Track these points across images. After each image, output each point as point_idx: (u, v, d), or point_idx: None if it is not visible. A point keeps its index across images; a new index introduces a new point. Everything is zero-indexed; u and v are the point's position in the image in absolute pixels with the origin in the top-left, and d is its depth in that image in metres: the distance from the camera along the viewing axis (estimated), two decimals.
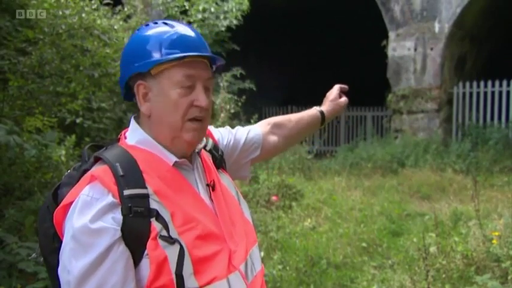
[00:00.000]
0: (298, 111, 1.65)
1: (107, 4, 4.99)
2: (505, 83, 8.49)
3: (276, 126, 1.42)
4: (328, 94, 1.58)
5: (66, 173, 1.03)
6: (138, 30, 1.07)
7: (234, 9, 7.43)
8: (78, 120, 4.70)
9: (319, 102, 1.60)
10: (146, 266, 0.89)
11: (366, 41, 11.06)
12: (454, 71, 9.14)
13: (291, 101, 11.08)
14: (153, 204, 0.92)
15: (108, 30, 4.25)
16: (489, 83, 8.64)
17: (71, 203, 0.91)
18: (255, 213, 5.05)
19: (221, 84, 7.20)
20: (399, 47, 8.81)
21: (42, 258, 1.02)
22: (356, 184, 7.02)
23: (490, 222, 4.26)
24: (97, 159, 0.99)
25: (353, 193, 6.49)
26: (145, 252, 0.89)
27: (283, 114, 1.60)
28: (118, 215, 0.88)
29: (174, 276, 0.89)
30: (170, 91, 1.00)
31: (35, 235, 2.84)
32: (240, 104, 7.17)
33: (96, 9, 4.52)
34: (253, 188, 5.74)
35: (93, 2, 4.50)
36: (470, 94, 8.81)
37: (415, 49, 8.67)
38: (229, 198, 1.12)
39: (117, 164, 0.93)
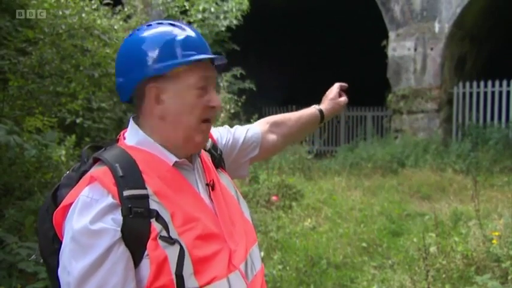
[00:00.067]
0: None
1: (107, 4, 4.99)
2: (505, 83, 8.49)
3: (274, 125, 1.42)
4: (328, 92, 1.58)
5: (65, 174, 1.03)
6: (138, 31, 1.03)
7: (234, 9, 7.43)
8: (78, 120, 4.71)
9: (319, 102, 1.59)
10: (146, 267, 0.89)
11: (366, 41, 11.07)
12: (454, 71, 9.15)
13: (291, 101, 11.08)
14: (153, 205, 0.91)
15: (108, 30, 4.25)
16: (489, 83, 8.64)
17: (71, 204, 0.91)
18: (255, 213, 5.05)
19: (221, 84, 7.20)
20: (399, 47, 8.81)
21: (41, 260, 1.01)
22: (356, 184, 7.02)
23: (490, 222, 4.26)
24: (96, 160, 0.98)
25: (353, 193, 6.49)
26: (146, 252, 0.89)
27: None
28: (118, 216, 0.88)
29: (174, 276, 0.89)
30: (187, 93, 1.01)
31: (35, 235, 2.84)
32: (240, 104, 7.17)
33: (96, 9, 4.52)
34: (253, 188, 5.74)
35: (93, 2, 4.50)
36: (470, 94, 8.81)
37: (415, 49, 8.67)
38: (229, 198, 1.12)
39: (117, 165, 0.92)
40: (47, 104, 3.97)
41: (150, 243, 0.88)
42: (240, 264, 1.02)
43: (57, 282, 0.92)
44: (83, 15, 3.88)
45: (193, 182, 1.04)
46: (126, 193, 0.89)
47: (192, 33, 1.04)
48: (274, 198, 5.61)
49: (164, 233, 0.90)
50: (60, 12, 3.71)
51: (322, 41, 13.76)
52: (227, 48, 7.97)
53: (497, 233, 3.78)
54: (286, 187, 5.89)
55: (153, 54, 0.99)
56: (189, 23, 6.70)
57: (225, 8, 7.49)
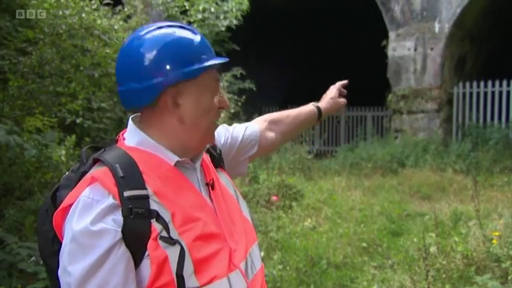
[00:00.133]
0: None
1: (107, 4, 4.99)
2: (505, 83, 8.49)
3: (273, 123, 1.43)
4: (328, 92, 1.58)
5: (65, 175, 1.03)
6: (148, 34, 1.00)
7: (234, 9, 7.43)
8: (78, 120, 4.71)
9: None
10: (147, 267, 0.89)
11: (366, 41, 11.07)
12: (454, 71, 9.15)
13: (291, 101, 11.04)
14: (153, 205, 0.91)
15: (108, 30, 4.25)
16: (489, 83, 8.64)
17: (71, 205, 0.91)
18: (255, 213, 5.05)
19: (221, 84, 7.19)
20: (399, 47, 8.82)
21: (41, 261, 1.01)
22: (356, 184, 7.02)
23: (490, 222, 4.26)
24: (96, 161, 0.98)
25: (353, 193, 6.49)
26: (146, 253, 0.89)
27: None
28: (119, 217, 0.88)
29: (174, 276, 0.89)
30: (205, 95, 1.02)
31: (35, 235, 2.84)
32: (240, 104, 7.17)
33: (96, 9, 4.52)
34: (253, 188, 5.75)
35: (93, 2, 4.50)
36: (470, 94, 8.81)
37: (415, 49, 8.67)
38: (228, 198, 1.13)
39: (117, 166, 0.92)
40: (47, 104, 3.97)
41: (150, 244, 0.88)
42: (240, 263, 1.02)
43: (57, 283, 0.92)
44: (83, 15, 3.88)
45: (195, 181, 1.05)
46: (126, 194, 0.89)
47: (201, 36, 1.05)
48: (274, 198, 5.61)
49: (164, 234, 0.90)
50: (60, 12, 3.71)
51: (322, 41, 13.76)
52: (227, 48, 7.97)
53: (497, 233, 3.78)
54: (286, 187, 5.90)
55: (178, 58, 0.98)
56: (189, 23, 6.72)
57: (225, 8, 7.49)
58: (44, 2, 3.65)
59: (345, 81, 1.61)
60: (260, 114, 1.56)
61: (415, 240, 4.44)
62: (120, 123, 5.14)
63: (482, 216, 4.07)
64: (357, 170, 7.95)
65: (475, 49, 9.90)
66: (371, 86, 11.06)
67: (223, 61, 1.05)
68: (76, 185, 0.95)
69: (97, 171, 0.94)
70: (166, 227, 0.91)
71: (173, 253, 0.89)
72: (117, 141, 1.07)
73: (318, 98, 1.59)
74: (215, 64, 1.02)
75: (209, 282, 0.93)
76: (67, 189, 0.97)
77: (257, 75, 9.09)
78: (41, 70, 3.72)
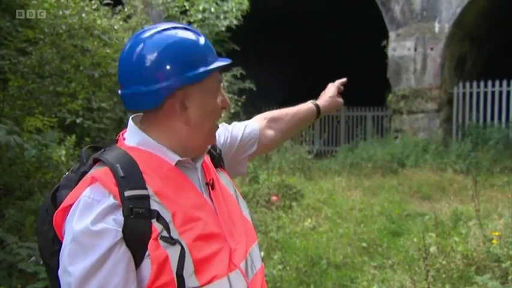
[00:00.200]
0: None
1: (107, 4, 4.99)
2: (505, 83, 8.49)
3: (272, 121, 1.43)
4: (327, 90, 1.59)
5: (65, 176, 1.03)
6: (155, 36, 0.99)
7: (234, 9, 7.43)
8: (78, 120, 4.71)
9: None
10: (147, 267, 0.89)
11: (366, 41, 11.07)
12: (454, 71, 9.15)
13: (291, 101, 10.99)
14: (154, 205, 0.91)
15: (108, 30, 4.25)
16: (489, 83, 8.64)
17: (71, 205, 0.91)
18: (255, 213, 5.05)
19: (221, 84, 7.19)
20: (399, 47, 8.81)
21: (41, 261, 1.01)
22: (356, 184, 7.02)
23: (490, 222, 4.27)
24: (96, 161, 0.98)
25: (353, 193, 6.49)
26: (147, 253, 0.89)
27: None
28: (119, 217, 0.88)
29: (174, 275, 0.89)
30: (210, 97, 1.04)
31: (35, 235, 2.84)
32: (240, 104, 7.17)
33: (96, 10, 4.53)
34: (253, 188, 5.75)
35: (93, 2, 4.50)
36: (471, 94, 8.81)
37: (415, 49, 8.67)
38: (228, 197, 1.13)
39: (118, 165, 0.92)
40: (47, 104, 3.97)
41: (151, 243, 0.88)
42: (240, 263, 1.02)
43: (57, 283, 0.92)
44: (83, 15, 3.88)
45: (195, 181, 1.05)
46: (127, 193, 0.89)
47: (204, 38, 1.05)
48: (274, 198, 5.61)
49: (165, 233, 0.90)
50: (60, 12, 3.71)
51: (322, 41, 13.76)
52: (227, 48, 7.97)
53: (497, 233, 3.78)
54: (286, 187, 5.89)
55: (185, 62, 0.98)
56: (189, 23, 6.72)
57: (225, 8, 7.49)
58: (44, 2, 3.65)
59: (343, 79, 1.61)
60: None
61: (415, 240, 4.44)
62: (120, 123, 5.14)
63: (482, 216, 4.07)
64: (357, 170, 7.95)
65: (475, 49, 9.90)
66: (371, 86, 11.06)
67: (228, 63, 1.05)
68: (76, 185, 0.95)
69: (97, 171, 0.93)
70: (166, 227, 0.90)
71: (174, 253, 0.89)
72: (117, 141, 1.07)
73: (317, 98, 1.60)
74: (220, 67, 1.03)
75: (209, 282, 0.93)
76: (67, 189, 0.97)
77: (257, 75, 9.09)
78: (41, 70, 3.72)
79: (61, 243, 0.92)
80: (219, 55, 1.09)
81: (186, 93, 0.99)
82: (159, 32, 1.00)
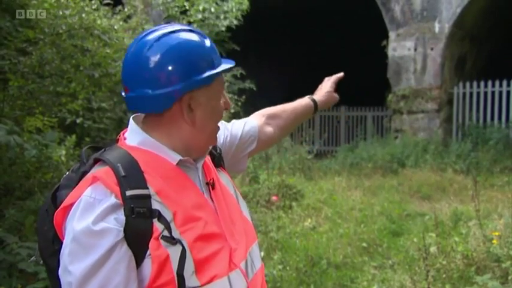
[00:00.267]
0: None
1: (107, 4, 4.99)
2: (505, 83, 8.49)
3: (270, 117, 1.43)
4: (323, 84, 1.59)
5: (65, 175, 1.03)
6: (162, 39, 0.98)
7: (234, 9, 7.43)
8: (78, 120, 4.71)
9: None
10: (148, 266, 0.89)
11: (366, 41, 11.07)
12: (454, 71, 9.15)
13: (291, 101, 11.05)
14: (155, 205, 0.91)
15: (108, 30, 4.25)
16: (489, 83, 8.64)
17: (72, 204, 0.91)
18: (255, 213, 5.05)
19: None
20: (399, 47, 8.81)
21: (41, 261, 1.01)
22: (356, 184, 7.02)
23: (490, 222, 4.27)
24: (97, 161, 0.98)
25: (353, 193, 6.49)
26: (148, 252, 0.89)
27: None
28: (121, 216, 0.88)
29: (175, 275, 0.89)
30: (215, 99, 1.04)
31: (35, 235, 2.84)
32: (240, 104, 7.17)
33: (97, 10, 4.53)
34: (253, 188, 5.75)
35: (93, 2, 4.50)
36: (471, 94, 8.81)
37: (415, 49, 8.67)
38: (229, 197, 1.13)
39: (119, 165, 0.92)
40: (47, 104, 3.97)
41: (152, 243, 0.88)
42: (241, 262, 1.02)
43: (57, 283, 0.92)
44: (83, 15, 3.88)
45: (196, 180, 1.05)
46: (128, 193, 0.89)
47: (210, 40, 1.05)
48: (274, 198, 5.61)
49: (166, 233, 0.90)
50: (61, 12, 3.71)
51: (322, 41, 13.76)
52: (227, 48, 7.97)
53: (497, 233, 3.78)
54: (287, 187, 5.89)
55: (193, 66, 0.98)
56: (189, 23, 6.71)
57: (225, 8, 7.48)
58: (44, 2, 3.65)
59: (340, 74, 1.61)
60: None
61: (415, 240, 4.44)
62: (120, 123, 5.14)
63: (483, 216, 4.07)
64: (357, 170, 7.95)
65: (475, 49, 9.90)
66: (371, 86, 11.06)
67: (233, 66, 1.06)
68: (76, 185, 0.95)
69: (99, 170, 0.93)
70: (168, 227, 0.91)
71: (174, 252, 0.90)
72: (117, 140, 1.07)
73: (314, 93, 1.60)
74: (226, 69, 1.03)
75: (209, 282, 0.93)
76: (67, 189, 0.97)
77: (257, 75, 9.09)
78: (41, 70, 3.72)
79: (61, 243, 0.92)
80: (220, 55, 1.09)
81: (192, 96, 0.99)
82: (166, 34, 0.99)
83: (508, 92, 8.45)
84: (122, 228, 0.87)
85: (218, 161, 1.19)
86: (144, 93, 0.97)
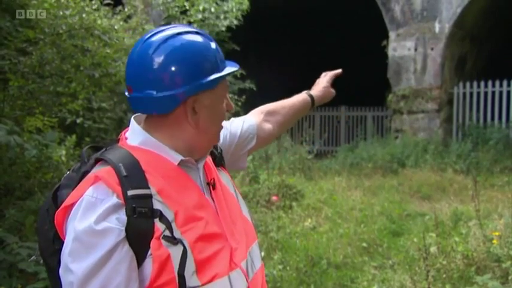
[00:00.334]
0: None
1: (108, 4, 4.99)
2: (505, 83, 8.49)
3: (269, 114, 1.43)
4: (320, 80, 1.60)
5: (65, 175, 1.03)
6: (168, 41, 0.97)
7: (234, 9, 7.42)
8: (78, 120, 4.71)
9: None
10: (149, 266, 0.89)
11: (366, 41, 11.07)
12: (455, 71, 9.15)
13: None
14: (157, 205, 0.92)
15: (108, 30, 4.26)
16: (489, 83, 8.64)
17: (73, 204, 0.91)
18: (255, 213, 5.05)
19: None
20: (399, 47, 8.81)
21: (41, 260, 1.01)
22: (356, 184, 7.02)
23: (490, 222, 4.26)
24: (98, 161, 0.98)
25: (353, 193, 6.49)
26: (149, 252, 0.89)
27: None
28: (122, 216, 0.88)
29: (176, 274, 0.89)
30: (219, 102, 1.05)
31: (35, 235, 2.84)
32: (240, 104, 7.17)
33: (97, 10, 4.53)
34: (254, 188, 5.75)
35: (93, 2, 4.51)
36: (471, 94, 8.81)
37: (415, 49, 8.67)
38: (229, 197, 1.13)
39: (120, 165, 0.92)
40: (47, 104, 3.98)
41: (153, 243, 0.89)
42: (241, 262, 1.03)
43: (57, 282, 0.92)
44: (84, 15, 3.88)
45: (197, 180, 1.05)
46: (130, 193, 0.89)
47: (215, 43, 1.05)
48: (274, 198, 5.61)
49: (167, 233, 0.90)
50: (61, 13, 3.72)
51: (322, 41, 13.76)
52: (227, 48, 7.97)
53: (497, 233, 3.78)
54: (287, 187, 5.89)
55: (199, 69, 0.98)
56: (189, 23, 6.72)
57: (225, 8, 7.48)
58: (44, 2, 3.65)
59: (338, 71, 1.62)
60: None
61: (415, 240, 4.44)
62: (120, 123, 5.15)
63: (483, 216, 4.07)
64: (357, 170, 7.95)
65: (476, 49, 9.90)
66: (371, 86, 11.06)
67: (237, 69, 1.06)
68: (77, 184, 0.95)
69: (100, 170, 0.93)
70: (169, 227, 0.91)
71: (176, 252, 0.90)
72: (118, 140, 1.07)
73: (311, 88, 1.61)
74: (231, 72, 1.04)
75: (210, 281, 0.93)
76: (68, 188, 0.97)
77: (257, 75, 9.09)
78: (41, 70, 3.72)
79: (62, 243, 0.92)
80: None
81: (196, 99, 0.99)
82: (172, 36, 0.99)
83: (508, 92, 8.45)
84: (124, 228, 0.88)
85: (219, 160, 1.19)
86: (148, 94, 0.97)
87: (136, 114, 1.07)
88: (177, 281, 0.89)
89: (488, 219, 4.46)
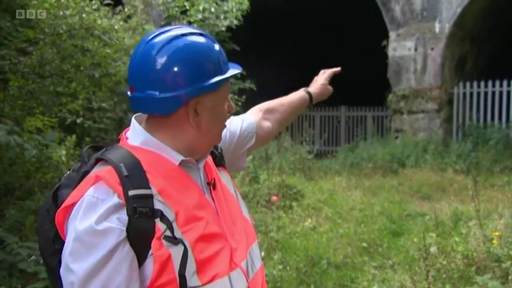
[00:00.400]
0: None
1: (108, 4, 4.99)
2: (505, 83, 8.49)
3: (268, 112, 1.44)
4: (318, 77, 1.60)
5: (65, 175, 1.03)
6: (172, 42, 0.97)
7: (234, 9, 7.42)
8: (78, 120, 4.71)
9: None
10: (150, 266, 0.89)
11: (366, 41, 11.07)
12: (455, 71, 9.15)
13: None
14: (157, 205, 0.92)
15: (108, 30, 4.26)
16: (489, 83, 8.64)
17: (73, 204, 0.91)
18: (256, 213, 5.05)
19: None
20: (399, 47, 8.81)
21: (41, 260, 1.01)
22: (356, 184, 7.02)
23: (490, 222, 4.27)
24: (98, 161, 0.98)
25: (353, 193, 6.49)
26: (150, 252, 0.89)
27: None
28: (123, 216, 0.88)
29: (177, 274, 0.89)
30: (221, 104, 1.05)
31: (35, 235, 2.84)
32: (240, 104, 7.17)
33: (97, 10, 4.53)
34: (254, 188, 5.75)
35: (93, 2, 4.50)
36: (471, 94, 8.81)
37: (415, 49, 8.67)
38: (229, 197, 1.13)
39: (121, 165, 0.92)
40: (47, 104, 3.98)
41: (154, 243, 0.89)
42: (241, 262, 1.03)
43: (58, 282, 0.92)
44: (84, 15, 3.89)
45: (198, 180, 1.05)
46: (131, 193, 0.89)
47: (218, 44, 1.05)
48: (274, 198, 5.61)
49: (168, 233, 0.90)
50: (61, 13, 3.72)
51: (322, 41, 13.76)
52: (227, 48, 7.95)
53: (497, 233, 3.78)
54: (287, 187, 5.89)
55: (202, 71, 0.98)
56: (189, 23, 6.72)
57: (225, 8, 7.48)
58: (44, 2, 3.65)
59: (337, 69, 1.62)
60: None
61: (415, 240, 4.44)
62: (120, 123, 5.15)
63: (483, 216, 4.07)
64: (357, 170, 7.95)
65: (476, 49, 9.90)
66: (371, 86, 11.06)
67: (240, 71, 1.06)
68: (77, 184, 0.95)
69: (101, 170, 0.93)
70: (170, 227, 0.91)
71: (176, 252, 0.90)
72: (119, 140, 1.07)
73: (309, 85, 1.61)
74: (234, 75, 1.04)
75: (210, 281, 0.93)
76: (68, 188, 0.97)
77: (257, 75, 9.09)
78: (42, 70, 3.72)
79: (62, 242, 0.92)
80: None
81: (198, 100, 0.99)
82: (176, 37, 0.99)
83: (508, 92, 8.45)
84: (125, 228, 0.88)
85: (219, 160, 1.19)
86: (150, 95, 0.97)
87: (137, 114, 1.06)
88: (177, 281, 0.89)
89: (488, 219, 4.46)
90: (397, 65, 8.85)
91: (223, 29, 7.49)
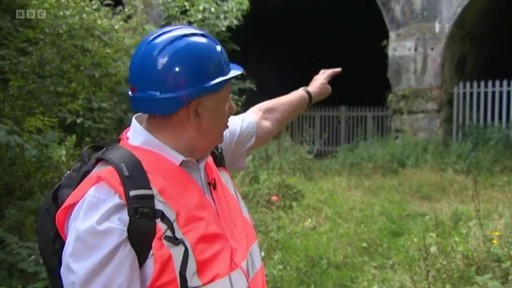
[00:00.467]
0: None
1: (108, 4, 4.99)
2: (505, 83, 8.49)
3: (267, 111, 1.44)
4: (318, 76, 1.61)
5: (66, 175, 1.02)
6: (175, 43, 0.97)
7: (234, 9, 7.42)
8: (78, 120, 4.71)
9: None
10: (151, 266, 0.89)
11: (366, 41, 11.07)
12: (455, 71, 9.15)
13: None
14: (158, 205, 0.92)
15: (108, 30, 4.26)
16: (489, 83, 8.64)
17: (74, 204, 0.91)
18: (256, 213, 5.05)
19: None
20: (400, 47, 8.81)
21: (41, 260, 1.01)
22: (356, 184, 7.02)
23: (490, 222, 4.27)
24: (99, 161, 0.98)
25: (353, 193, 6.49)
26: (151, 252, 0.89)
27: None
28: (124, 216, 0.88)
29: (177, 275, 0.89)
30: (222, 105, 1.05)
31: (35, 235, 2.84)
32: (240, 104, 7.17)
33: (97, 10, 4.53)
34: (254, 188, 5.75)
35: (93, 2, 4.51)
36: (471, 94, 8.81)
37: (415, 49, 8.67)
38: (229, 197, 1.13)
39: (122, 165, 0.92)
40: (47, 104, 3.98)
41: (155, 243, 0.89)
42: (242, 262, 1.03)
43: (58, 282, 0.92)
44: (84, 15, 3.89)
45: (198, 181, 1.05)
46: (132, 193, 0.89)
47: (220, 46, 1.05)
48: (274, 198, 5.61)
49: (169, 233, 0.90)
50: (61, 13, 3.72)
51: (322, 41, 13.76)
52: (227, 48, 7.96)
53: (497, 233, 3.78)
54: (287, 187, 5.89)
55: (204, 72, 0.98)
56: (189, 23, 6.72)
57: (225, 8, 7.48)
58: (44, 2, 3.65)
59: (338, 70, 1.62)
60: None
61: (415, 240, 4.44)
62: (120, 123, 5.15)
63: (483, 216, 4.07)
64: (357, 170, 7.95)
65: (476, 49, 9.90)
66: (371, 86, 11.06)
67: (241, 72, 1.06)
68: (78, 184, 0.95)
69: (102, 170, 0.93)
70: (171, 227, 0.91)
71: (177, 253, 0.90)
72: (119, 140, 1.07)
73: (309, 84, 1.62)
74: (235, 76, 1.04)
75: (211, 281, 0.93)
76: (68, 188, 0.97)
77: (257, 75, 9.09)
78: (42, 70, 3.72)
79: (63, 242, 0.92)
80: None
81: (200, 101, 0.99)
82: (178, 38, 0.98)
83: (508, 92, 8.45)
84: (126, 228, 0.88)
85: (219, 160, 1.19)
86: (152, 95, 0.97)
87: (137, 114, 1.06)
88: (178, 281, 0.89)
89: (488, 219, 4.46)
90: (397, 65, 8.85)
91: (223, 29, 7.49)
